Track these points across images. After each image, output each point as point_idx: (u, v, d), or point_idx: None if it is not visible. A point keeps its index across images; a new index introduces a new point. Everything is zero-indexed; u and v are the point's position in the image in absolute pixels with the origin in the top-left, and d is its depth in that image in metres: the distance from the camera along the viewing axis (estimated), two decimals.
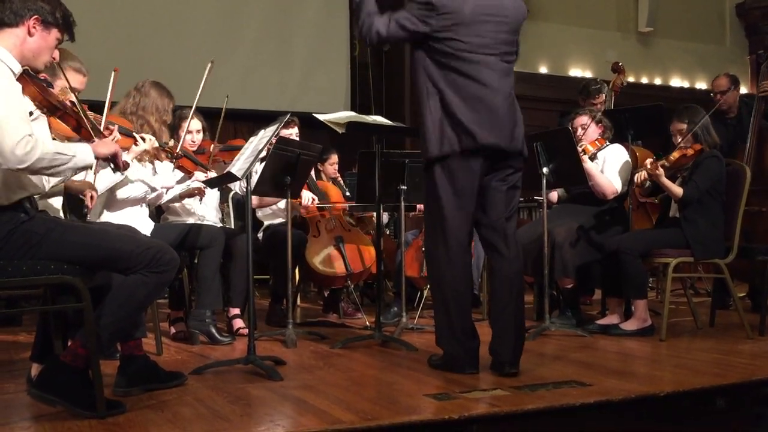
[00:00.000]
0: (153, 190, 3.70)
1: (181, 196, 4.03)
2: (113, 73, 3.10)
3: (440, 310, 3.05)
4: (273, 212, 4.76)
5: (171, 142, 3.60)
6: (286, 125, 4.63)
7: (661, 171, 3.96)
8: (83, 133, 2.70)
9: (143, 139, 3.48)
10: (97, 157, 2.46)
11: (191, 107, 3.91)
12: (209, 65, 3.49)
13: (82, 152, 2.39)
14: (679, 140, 4.07)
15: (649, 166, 3.98)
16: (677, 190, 3.97)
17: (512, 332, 2.97)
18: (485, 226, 3.07)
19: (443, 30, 2.94)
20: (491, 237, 3.06)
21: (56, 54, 2.52)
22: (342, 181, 5.78)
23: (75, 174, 2.50)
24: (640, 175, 4.16)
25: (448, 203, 2.97)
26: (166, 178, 3.78)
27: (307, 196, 4.78)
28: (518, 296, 3.01)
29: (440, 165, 2.97)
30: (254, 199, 4.65)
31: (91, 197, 3.23)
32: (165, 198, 3.97)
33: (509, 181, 3.05)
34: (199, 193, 4.01)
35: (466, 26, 2.94)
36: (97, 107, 3.19)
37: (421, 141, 3.04)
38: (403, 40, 3.02)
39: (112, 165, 2.73)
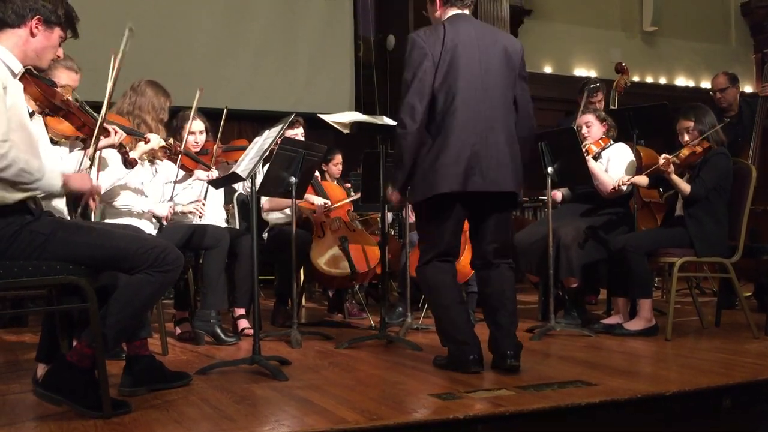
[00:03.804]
0: (141, 212, 3.70)
1: (183, 212, 4.05)
2: (113, 57, 3.08)
3: (441, 314, 3.10)
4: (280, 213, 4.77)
5: (171, 141, 3.61)
6: (292, 125, 4.64)
7: (672, 168, 3.95)
8: (86, 131, 2.71)
9: (148, 140, 3.49)
10: (64, 186, 2.37)
11: (192, 108, 3.93)
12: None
13: (50, 176, 2.32)
14: (686, 138, 4.07)
15: (662, 161, 3.97)
16: (685, 186, 3.97)
17: (512, 326, 3.02)
18: (474, 254, 3.17)
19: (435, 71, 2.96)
20: (480, 262, 3.14)
21: (60, 52, 2.52)
22: (348, 185, 5.78)
23: (42, 195, 2.38)
24: (621, 180, 4.18)
25: (437, 231, 3.05)
26: (158, 207, 3.76)
27: (320, 202, 4.80)
28: (512, 292, 3.08)
29: (427, 202, 3.03)
30: (266, 203, 4.67)
31: (93, 199, 3.24)
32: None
33: (500, 209, 3.09)
34: (195, 212, 4.01)
35: (455, 68, 2.96)
36: (97, 107, 3.19)
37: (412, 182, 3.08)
38: (419, 95, 2.95)
39: (122, 158, 2.75)
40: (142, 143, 3.47)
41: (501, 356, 2.98)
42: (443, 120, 2.96)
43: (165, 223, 3.73)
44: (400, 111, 2.98)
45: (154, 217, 3.73)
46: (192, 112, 3.93)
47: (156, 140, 3.41)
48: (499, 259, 3.09)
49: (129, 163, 3.05)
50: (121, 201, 3.61)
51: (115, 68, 2.71)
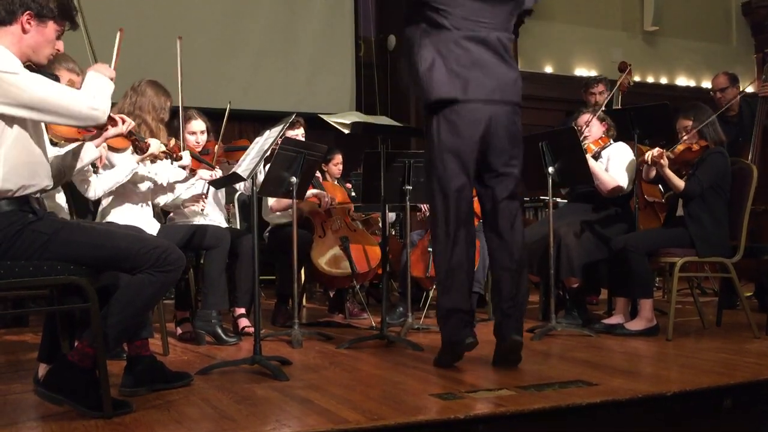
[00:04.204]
0: (156, 183, 3.72)
1: (184, 204, 4.04)
2: (118, 33, 3.06)
3: (439, 283, 3.10)
4: (281, 213, 4.77)
5: (172, 142, 3.62)
6: (292, 126, 4.64)
7: (665, 161, 3.94)
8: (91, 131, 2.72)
9: (148, 145, 3.48)
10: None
11: (196, 108, 3.93)
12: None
13: (100, 78, 2.47)
14: (685, 137, 4.06)
15: (655, 153, 3.96)
16: (679, 182, 3.96)
17: (515, 310, 3.03)
18: (488, 173, 3.11)
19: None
20: (493, 183, 3.09)
21: (60, 45, 2.49)
22: (348, 185, 5.78)
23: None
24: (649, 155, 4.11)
25: (445, 155, 3.02)
26: (171, 173, 3.78)
27: (326, 197, 4.80)
28: (523, 275, 3.07)
29: (438, 114, 3.02)
30: (275, 203, 4.68)
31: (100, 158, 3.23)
32: (169, 198, 3.99)
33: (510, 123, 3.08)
34: (198, 199, 4.02)
35: None
36: None
37: (419, 91, 3.06)
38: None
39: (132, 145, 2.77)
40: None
41: (503, 337, 3.00)
42: (448, 36, 2.99)
43: (189, 173, 3.77)
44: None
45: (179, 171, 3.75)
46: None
47: (156, 146, 3.41)
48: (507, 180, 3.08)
49: (141, 149, 3.04)
50: (144, 183, 3.62)
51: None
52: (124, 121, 2.80)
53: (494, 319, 3.09)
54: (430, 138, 3.07)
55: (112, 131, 2.77)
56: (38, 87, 2.29)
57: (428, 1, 3.01)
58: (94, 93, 2.40)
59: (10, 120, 2.29)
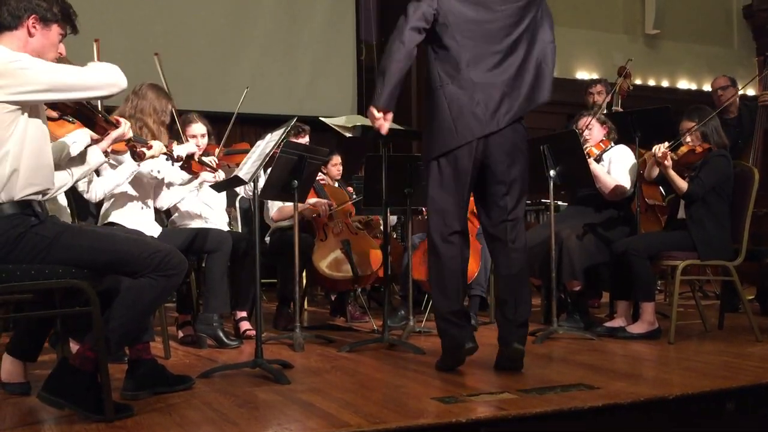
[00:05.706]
0: (157, 177, 3.71)
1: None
2: (94, 44, 3.07)
3: (437, 290, 3.07)
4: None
5: (173, 146, 3.62)
6: (298, 134, 4.65)
7: (669, 162, 3.94)
8: (98, 130, 2.73)
9: (150, 146, 3.49)
10: None
11: (197, 111, 3.94)
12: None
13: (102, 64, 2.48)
14: (688, 139, 4.06)
15: (659, 153, 3.95)
16: (682, 184, 3.96)
17: (519, 317, 3.01)
18: (488, 220, 3.10)
19: (440, 15, 2.98)
20: (495, 231, 3.07)
21: (62, 49, 2.51)
22: (350, 188, 5.78)
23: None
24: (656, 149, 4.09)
25: (443, 194, 3.01)
26: (173, 174, 3.79)
27: (321, 203, 4.80)
28: (520, 282, 3.05)
29: (436, 161, 3.02)
30: (276, 213, 4.69)
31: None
32: (172, 201, 3.99)
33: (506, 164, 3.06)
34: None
35: (461, 12, 3.00)
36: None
37: (425, 136, 3.08)
38: (415, 30, 2.98)
39: (130, 151, 2.78)
40: (144, 149, 3.46)
41: (505, 343, 2.99)
42: (453, 70, 2.99)
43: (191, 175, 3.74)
44: (394, 34, 2.99)
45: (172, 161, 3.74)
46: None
47: (158, 147, 3.41)
48: (512, 218, 3.05)
49: (138, 156, 3.05)
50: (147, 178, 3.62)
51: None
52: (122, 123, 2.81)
53: (496, 323, 3.09)
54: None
55: (114, 133, 2.77)
56: (50, 67, 2.31)
57: None
58: (103, 65, 2.43)
59: (24, 119, 2.29)
